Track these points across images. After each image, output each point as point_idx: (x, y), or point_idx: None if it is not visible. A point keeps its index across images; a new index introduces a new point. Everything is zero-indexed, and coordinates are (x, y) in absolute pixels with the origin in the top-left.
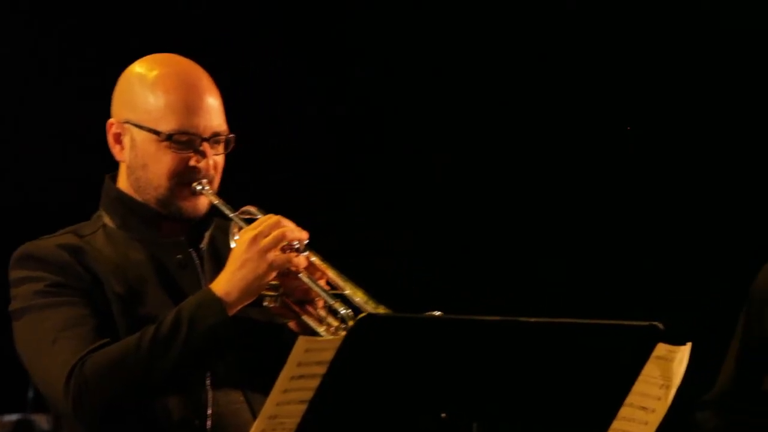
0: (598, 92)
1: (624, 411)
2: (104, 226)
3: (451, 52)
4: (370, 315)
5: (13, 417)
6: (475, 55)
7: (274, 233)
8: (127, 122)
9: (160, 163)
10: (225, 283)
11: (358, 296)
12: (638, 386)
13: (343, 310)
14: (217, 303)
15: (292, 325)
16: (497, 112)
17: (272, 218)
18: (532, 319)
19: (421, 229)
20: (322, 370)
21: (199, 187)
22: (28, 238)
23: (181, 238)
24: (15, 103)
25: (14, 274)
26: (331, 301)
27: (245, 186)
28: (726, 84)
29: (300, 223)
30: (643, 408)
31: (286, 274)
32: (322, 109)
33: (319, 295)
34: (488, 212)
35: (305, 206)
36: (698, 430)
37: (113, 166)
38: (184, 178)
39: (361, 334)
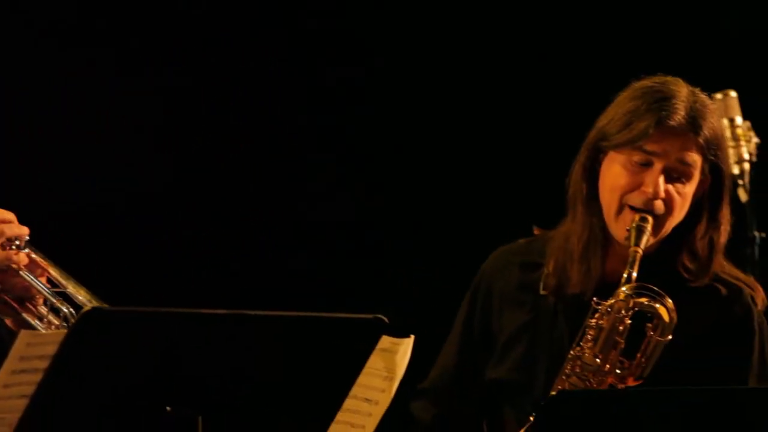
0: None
1: (349, 403)
2: None
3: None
4: (95, 308)
5: None
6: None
7: None
8: None
9: None
10: None
11: (81, 294)
12: (363, 378)
13: (65, 308)
14: None
15: (8, 322)
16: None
17: None
18: (258, 312)
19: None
20: (44, 364)
21: None
22: None
23: None
24: None
25: None
26: (53, 299)
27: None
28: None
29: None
30: (368, 400)
31: (5, 270)
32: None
33: (40, 293)
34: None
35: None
36: (414, 420)
37: None
38: None
39: (86, 327)
